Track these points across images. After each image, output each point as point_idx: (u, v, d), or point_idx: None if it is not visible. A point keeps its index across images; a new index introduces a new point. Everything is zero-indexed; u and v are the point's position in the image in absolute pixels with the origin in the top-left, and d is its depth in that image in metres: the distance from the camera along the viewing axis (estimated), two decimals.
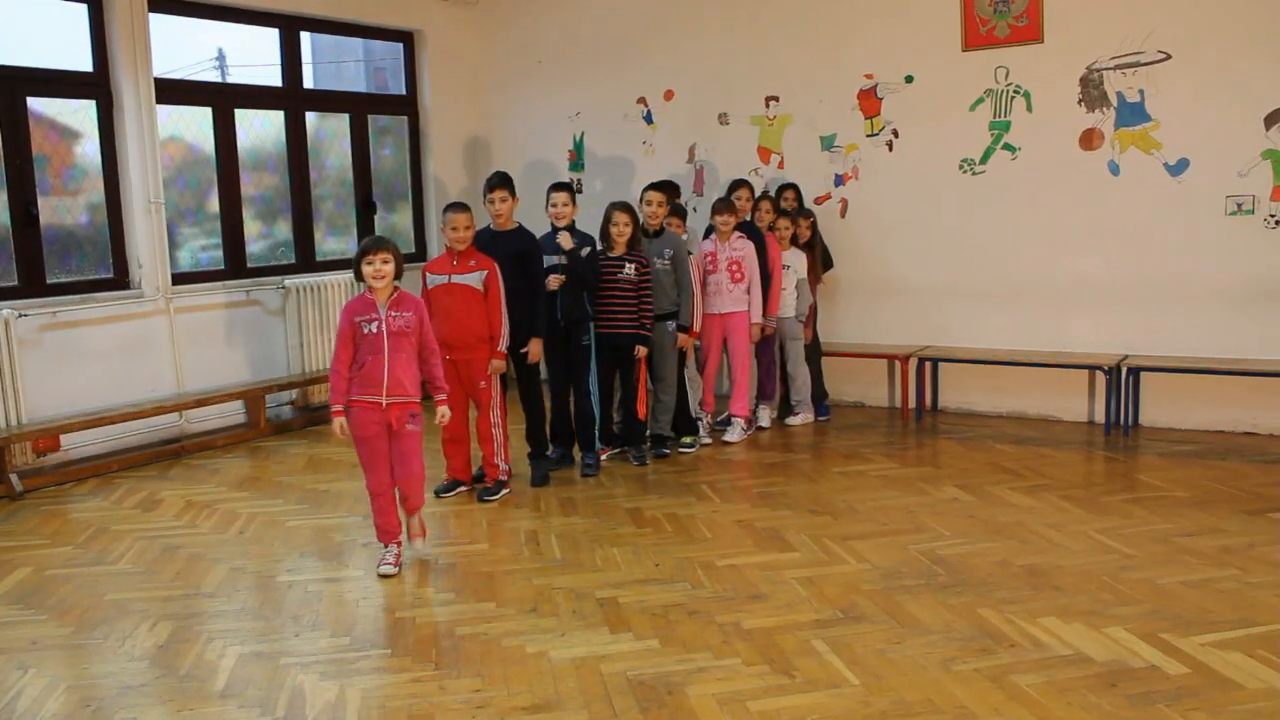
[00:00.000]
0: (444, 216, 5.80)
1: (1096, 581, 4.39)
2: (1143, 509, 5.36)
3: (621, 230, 6.32)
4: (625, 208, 6.39)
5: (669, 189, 6.93)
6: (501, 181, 6.07)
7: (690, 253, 6.72)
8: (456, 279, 5.73)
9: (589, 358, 6.36)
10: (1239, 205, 6.69)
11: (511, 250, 5.95)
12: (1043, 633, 3.90)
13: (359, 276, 4.72)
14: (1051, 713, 3.29)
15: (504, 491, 5.94)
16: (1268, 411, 6.76)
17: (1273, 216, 6.59)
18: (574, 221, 6.27)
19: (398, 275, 4.77)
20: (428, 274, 5.86)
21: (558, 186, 6.32)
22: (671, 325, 6.57)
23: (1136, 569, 4.52)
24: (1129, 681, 3.49)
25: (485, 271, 5.75)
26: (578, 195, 8.93)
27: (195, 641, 4.07)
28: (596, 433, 6.47)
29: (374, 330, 4.69)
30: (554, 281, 6.12)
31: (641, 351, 6.39)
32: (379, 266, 4.66)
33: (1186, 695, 3.38)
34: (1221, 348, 6.80)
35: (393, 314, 4.72)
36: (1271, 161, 6.56)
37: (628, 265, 6.33)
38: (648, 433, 6.71)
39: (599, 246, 6.38)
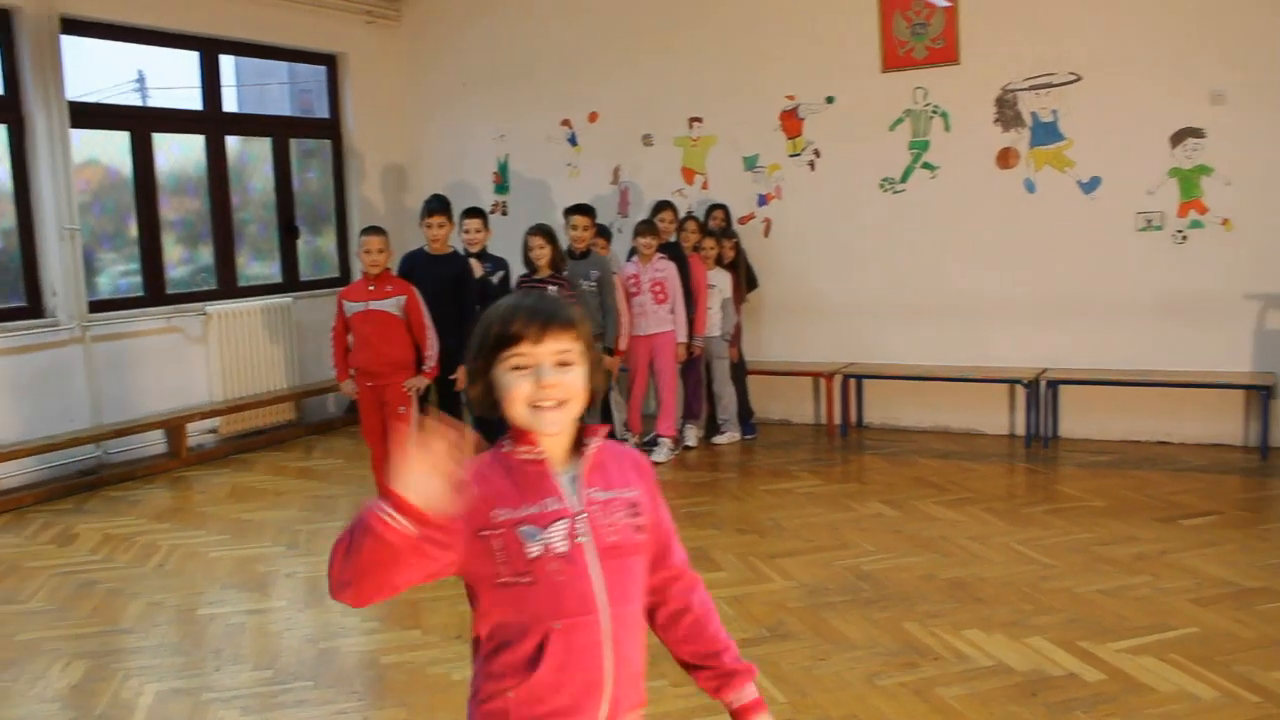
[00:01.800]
0: (360, 239, 5.79)
1: (1017, 592, 4.47)
2: (1062, 519, 5.46)
3: (539, 254, 6.33)
4: (540, 231, 6.40)
5: (588, 212, 6.89)
6: (441, 207, 6.16)
7: (615, 273, 6.76)
8: (374, 305, 5.70)
9: None
10: (1149, 221, 6.87)
11: (447, 274, 6.00)
12: (965, 645, 3.96)
13: (484, 395, 1.86)
14: None
15: None
16: (1179, 421, 6.94)
17: (1180, 233, 6.79)
18: (486, 247, 6.29)
19: (591, 404, 1.88)
20: (344, 301, 5.82)
21: (470, 213, 6.38)
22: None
23: (1056, 579, 4.61)
24: (1048, 690, 3.55)
25: (404, 297, 5.73)
26: (504, 218, 9.04)
27: (111, 680, 3.97)
28: None
29: (560, 546, 1.76)
30: None
31: None
32: (553, 381, 1.80)
33: (1103, 701, 3.45)
34: (1135, 360, 6.97)
35: (599, 496, 1.83)
36: (1178, 179, 6.76)
37: (550, 288, 6.33)
38: None
39: (523, 270, 6.39)
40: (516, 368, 1.78)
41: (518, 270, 6.47)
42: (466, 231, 6.29)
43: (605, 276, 6.60)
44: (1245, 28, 6.50)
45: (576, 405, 1.80)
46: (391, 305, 5.71)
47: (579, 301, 6.43)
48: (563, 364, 1.79)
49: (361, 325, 5.73)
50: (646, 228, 6.98)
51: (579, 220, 6.62)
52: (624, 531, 1.82)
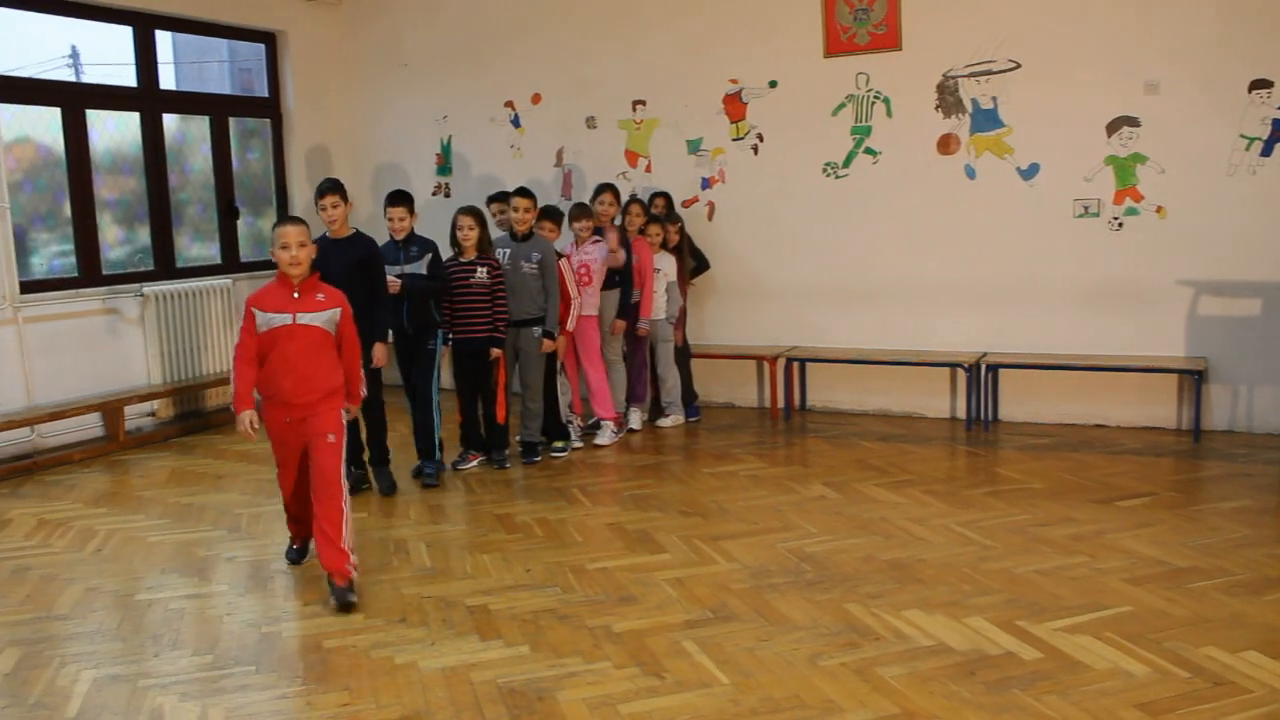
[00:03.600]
0: (272, 233, 4.53)
1: (957, 573, 4.53)
2: (1001, 501, 5.55)
3: (467, 234, 6.29)
4: (471, 211, 6.36)
5: (530, 194, 6.77)
6: (332, 187, 5.83)
7: (560, 255, 6.72)
8: (304, 319, 4.44)
9: (433, 364, 6.23)
10: (1085, 208, 6.98)
11: (351, 258, 5.70)
12: (906, 625, 4.01)
13: None
14: (914, 703, 3.38)
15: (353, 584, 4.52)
16: (1115, 405, 7.07)
17: (1116, 219, 6.90)
18: (413, 229, 6.17)
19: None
20: (257, 311, 4.43)
21: (395, 199, 6.16)
22: (538, 331, 6.55)
23: (995, 559, 4.68)
24: (987, 669, 3.61)
25: (338, 309, 4.54)
26: (446, 200, 8.97)
27: (46, 667, 3.90)
28: (436, 441, 6.31)
29: None
30: (393, 285, 5.93)
31: (495, 353, 6.36)
32: None
33: (1040, 679, 3.51)
34: (1073, 344, 7.09)
35: None
36: (1113, 167, 6.87)
37: (479, 269, 6.29)
38: (518, 438, 6.69)
39: (453, 252, 6.32)
40: None
41: (447, 252, 6.36)
42: (390, 220, 6.10)
43: (547, 259, 6.54)
44: (1180, 19, 6.61)
45: None
46: (325, 320, 4.50)
47: (514, 282, 6.40)
48: None
49: (285, 343, 4.43)
50: (581, 211, 6.95)
51: (520, 202, 6.56)
52: None
